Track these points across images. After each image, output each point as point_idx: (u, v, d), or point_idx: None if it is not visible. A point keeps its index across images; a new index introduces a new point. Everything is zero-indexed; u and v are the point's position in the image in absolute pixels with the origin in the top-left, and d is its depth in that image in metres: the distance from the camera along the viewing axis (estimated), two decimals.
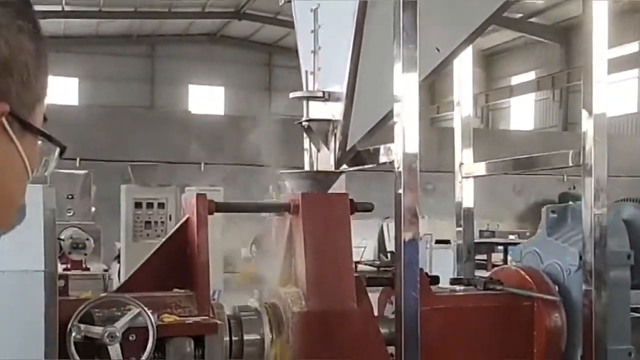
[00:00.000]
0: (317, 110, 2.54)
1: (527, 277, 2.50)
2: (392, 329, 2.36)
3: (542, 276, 2.50)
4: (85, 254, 6.38)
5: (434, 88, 17.93)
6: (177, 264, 2.22)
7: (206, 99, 19.42)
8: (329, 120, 2.50)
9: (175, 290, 2.17)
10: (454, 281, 2.62)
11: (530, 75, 17.82)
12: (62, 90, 16.97)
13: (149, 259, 2.26)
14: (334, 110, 2.50)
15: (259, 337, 2.24)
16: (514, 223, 14.73)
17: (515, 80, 18.35)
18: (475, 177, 2.88)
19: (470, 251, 2.94)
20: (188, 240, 2.21)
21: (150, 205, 7.94)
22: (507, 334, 2.43)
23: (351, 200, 2.31)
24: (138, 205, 8.03)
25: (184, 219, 2.24)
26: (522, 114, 18.65)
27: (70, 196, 7.62)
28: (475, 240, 2.98)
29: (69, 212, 7.51)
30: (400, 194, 2.15)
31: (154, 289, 2.16)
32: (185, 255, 2.22)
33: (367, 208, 2.34)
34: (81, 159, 9.59)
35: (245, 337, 2.23)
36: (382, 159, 2.31)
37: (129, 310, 1.91)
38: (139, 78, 19.26)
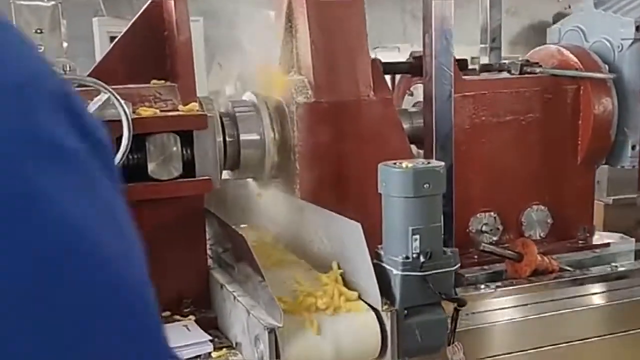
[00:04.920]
0: None
1: (571, 55, 2.11)
2: (413, 122, 2.00)
3: (589, 54, 2.11)
4: None
5: None
6: (153, 51, 1.80)
7: None
8: None
9: (154, 82, 1.77)
10: (483, 67, 2.23)
11: None
12: None
13: (115, 45, 1.84)
14: None
15: (258, 136, 1.87)
16: (506, 47, 14.09)
17: None
18: None
19: (495, 39, 2.53)
20: (164, 20, 1.79)
21: None
22: (548, 121, 2.06)
23: None
24: (113, 40, 7.51)
25: None
26: None
27: (38, 30, 7.08)
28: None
29: (40, 49, 7.02)
30: None
31: (127, 83, 1.75)
32: (162, 40, 1.80)
33: None
34: None
35: (242, 137, 1.85)
36: None
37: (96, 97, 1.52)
38: None
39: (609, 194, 3.47)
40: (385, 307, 1.48)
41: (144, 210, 1.67)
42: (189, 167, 1.67)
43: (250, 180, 1.99)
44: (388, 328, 1.47)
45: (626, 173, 2.76)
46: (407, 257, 1.47)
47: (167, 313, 1.71)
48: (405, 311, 1.48)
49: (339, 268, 1.56)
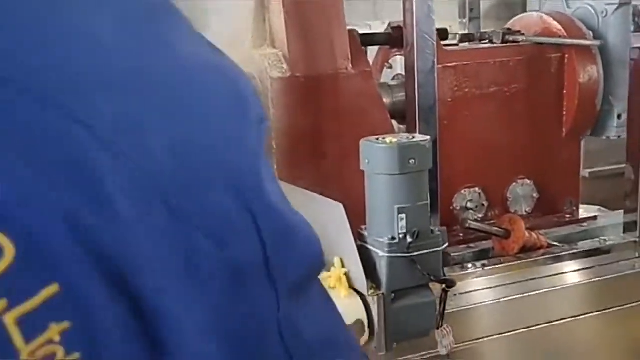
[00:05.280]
0: None
1: (554, 23, 2.03)
2: (394, 96, 1.91)
3: (573, 21, 2.04)
4: None
5: None
6: None
7: None
8: None
9: None
10: (463, 37, 2.15)
11: None
12: None
13: None
14: None
15: None
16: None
17: None
18: None
19: (473, 9, 2.44)
20: None
21: None
22: (533, 92, 1.99)
23: None
24: None
25: None
26: None
27: None
28: None
29: None
30: None
31: None
32: None
33: None
34: None
35: None
36: None
37: None
38: None
39: (584, 166, 3.42)
40: (372, 291, 1.40)
41: None
42: None
43: None
44: (375, 313, 1.40)
45: (602, 145, 2.71)
46: (394, 238, 1.39)
47: None
48: (393, 295, 1.41)
49: (343, 265, 1.44)
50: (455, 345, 1.53)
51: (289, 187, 1.66)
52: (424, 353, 1.56)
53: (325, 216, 1.48)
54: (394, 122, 1.88)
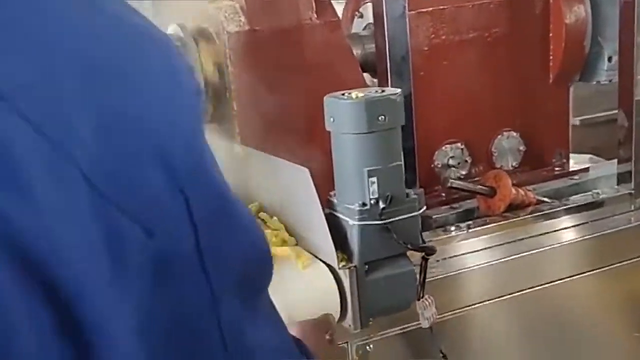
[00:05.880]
0: None
1: None
2: (365, 48, 1.76)
3: None
4: None
5: None
6: None
7: None
8: None
9: None
10: None
11: None
12: None
13: None
14: None
15: None
16: None
17: None
18: None
19: None
20: None
21: None
22: (516, 37, 1.84)
23: None
24: None
25: None
26: None
27: None
28: None
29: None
30: None
31: None
32: None
33: None
34: None
35: None
36: None
37: None
38: None
39: (573, 114, 3.30)
40: (342, 263, 1.27)
41: None
42: None
43: None
44: (347, 287, 1.27)
45: (589, 91, 2.58)
46: (364, 204, 1.25)
47: None
48: (366, 266, 1.28)
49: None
50: (441, 315, 1.41)
51: (251, 152, 1.52)
52: (404, 326, 1.44)
53: (290, 182, 1.35)
54: (366, 75, 1.74)
